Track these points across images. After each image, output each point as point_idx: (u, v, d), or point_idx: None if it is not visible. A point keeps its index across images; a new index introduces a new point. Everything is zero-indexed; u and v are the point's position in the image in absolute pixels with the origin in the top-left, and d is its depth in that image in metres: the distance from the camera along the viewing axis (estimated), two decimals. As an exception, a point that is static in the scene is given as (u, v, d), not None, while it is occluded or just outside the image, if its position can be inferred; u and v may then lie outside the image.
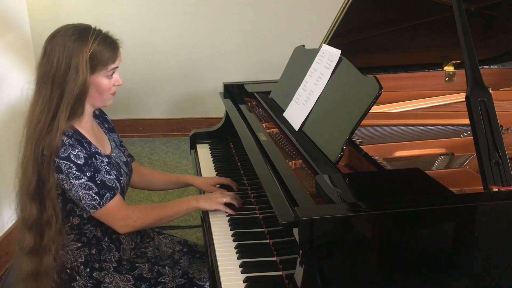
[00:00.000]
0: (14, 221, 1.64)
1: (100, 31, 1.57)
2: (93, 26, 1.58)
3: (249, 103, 2.21)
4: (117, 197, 1.59)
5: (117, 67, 1.60)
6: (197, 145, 2.35)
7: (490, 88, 1.80)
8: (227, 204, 1.67)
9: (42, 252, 1.56)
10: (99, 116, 1.80)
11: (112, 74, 1.59)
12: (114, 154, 1.71)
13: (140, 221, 1.62)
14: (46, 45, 1.54)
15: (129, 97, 4.27)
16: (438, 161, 1.65)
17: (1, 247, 2.49)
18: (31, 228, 1.56)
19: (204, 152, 2.29)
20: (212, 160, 2.19)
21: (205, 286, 1.66)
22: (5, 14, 2.62)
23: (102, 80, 1.57)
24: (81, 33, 1.53)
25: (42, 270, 1.57)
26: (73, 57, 1.50)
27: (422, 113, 2.05)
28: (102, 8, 4.07)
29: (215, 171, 2.08)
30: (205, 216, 1.74)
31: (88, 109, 1.62)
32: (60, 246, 1.60)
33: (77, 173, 1.51)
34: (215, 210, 1.68)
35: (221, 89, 2.37)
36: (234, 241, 1.55)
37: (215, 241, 1.56)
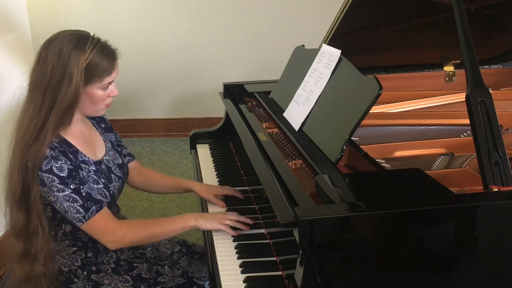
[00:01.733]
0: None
1: (98, 39, 1.52)
2: (91, 34, 1.53)
3: (249, 103, 2.21)
4: (104, 210, 1.54)
5: (113, 81, 1.55)
6: (197, 145, 2.35)
7: (490, 88, 1.80)
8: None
9: (32, 260, 1.55)
10: (95, 116, 1.76)
11: (107, 86, 1.55)
12: (107, 158, 1.68)
13: (128, 237, 1.55)
14: (41, 51, 1.49)
15: (129, 97, 4.27)
16: (438, 161, 1.65)
17: (1, 248, 2.49)
18: (19, 235, 1.55)
19: (204, 152, 2.29)
20: (212, 160, 2.19)
21: (205, 285, 1.66)
22: (5, 14, 2.62)
23: (96, 91, 1.52)
24: (78, 41, 1.48)
25: (32, 277, 1.55)
26: (68, 66, 1.45)
27: (422, 113, 2.05)
28: (102, 8, 4.07)
29: (215, 171, 2.08)
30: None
31: (77, 116, 1.58)
32: (51, 254, 1.58)
33: (60, 186, 1.47)
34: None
35: (221, 89, 2.36)
36: (234, 241, 1.55)
37: (215, 241, 1.56)
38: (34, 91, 1.50)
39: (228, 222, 1.58)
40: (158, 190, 1.96)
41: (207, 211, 1.77)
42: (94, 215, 1.51)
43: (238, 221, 1.59)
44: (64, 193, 1.48)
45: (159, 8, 4.12)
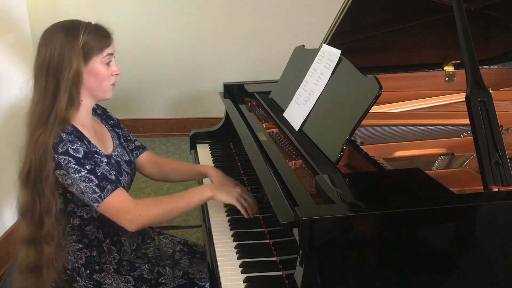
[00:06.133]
0: (15, 221, 1.64)
1: (90, 22, 1.58)
2: (82, 20, 1.58)
3: (249, 103, 2.21)
4: (120, 189, 1.56)
5: (112, 54, 1.59)
6: (197, 145, 2.35)
7: (490, 88, 1.80)
8: None
9: (42, 242, 1.55)
10: (102, 114, 1.79)
11: (109, 62, 1.58)
12: (115, 153, 1.70)
13: (145, 214, 1.55)
14: (39, 43, 1.56)
15: (129, 97, 4.27)
16: (438, 161, 1.65)
17: (1, 247, 2.49)
18: (25, 216, 1.56)
19: (204, 152, 2.29)
20: (212, 160, 2.19)
21: (205, 286, 1.66)
22: (5, 14, 2.62)
23: (99, 67, 1.56)
24: (71, 26, 1.55)
25: (44, 261, 1.55)
26: (65, 48, 1.51)
27: (422, 113, 2.05)
28: (102, 8, 4.07)
29: (215, 171, 2.08)
30: (205, 216, 1.74)
31: (88, 103, 1.61)
32: (61, 233, 1.58)
33: (76, 166, 1.50)
34: (223, 211, 1.60)
35: (221, 89, 2.37)
36: (234, 241, 1.55)
37: (215, 241, 1.56)
38: (37, 78, 1.55)
39: (243, 201, 1.58)
40: (175, 178, 1.92)
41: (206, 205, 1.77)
42: (109, 194, 1.52)
43: (249, 207, 1.58)
44: (80, 174, 1.50)
45: (159, 8, 4.12)
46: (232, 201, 1.57)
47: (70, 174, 1.50)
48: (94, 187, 1.51)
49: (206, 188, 1.61)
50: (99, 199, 1.52)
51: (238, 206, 1.57)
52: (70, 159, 1.50)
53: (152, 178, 1.92)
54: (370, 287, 1.17)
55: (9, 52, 2.62)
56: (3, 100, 2.54)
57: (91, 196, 1.52)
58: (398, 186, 1.31)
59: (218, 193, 1.59)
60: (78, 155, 1.51)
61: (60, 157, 1.50)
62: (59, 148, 1.50)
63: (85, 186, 1.51)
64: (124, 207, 1.55)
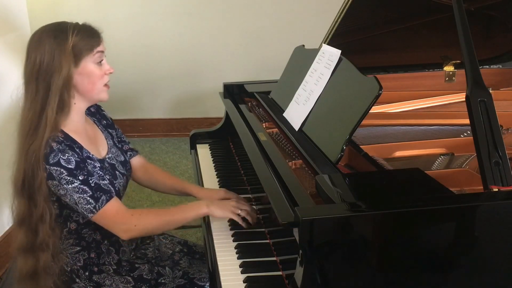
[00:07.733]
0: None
1: (77, 23, 1.56)
2: (69, 22, 1.56)
3: (249, 103, 2.21)
4: (114, 199, 1.55)
5: (103, 52, 1.57)
6: (197, 145, 2.35)
7: (490, 88, 1.80)
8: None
9: (38, 250, 1.54)
10: (96, 113, 1.77)
11: (101, 62, 1.56)
12: (110, 155, 1.69)
13: (141, 226, 1.55)
14: (28, 48, 1.53)
15: (129, 97, 4.27)
16: (438, 161, 1.65)
17: (1, 247, 2.49)
18: (22, 225, 1.55)
19: (204, 152, 2.29)
20: (212, 160, 2.19)
21: (205, 286, 1.66)
22: (5, 14, 2.62)
23: (91, 66, 1.53)
24: (58, 28, 1.52)
25: (40, 269, 1.55)
26: (55, 52, 1.48)
27: (422, 113, 2.05)
28: (102, 8, 4.07)
29: (215, 171, 2.08)
30: (205, 216, 1.74)
31: (82, 106, 1.59)
32: (57, 243, 1.57)
33: (68, 178, 1.48)
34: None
35: (221, 89, 2.37)
36: (234, 241, 1.55)
37: (215, 241, 1.56)
38: (28, 84, 1.52)
39: (239, 212, 1.58)
40: (162, 189, 1.92)
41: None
42: (104, 205, 1.52)
43: (248, 215, 1.58)
44: (73, 185, 1.48)
45: (159, 8, 4.12)
46: (228, 215, 1.58)
47: (63, 185, 1.48)
48: (88, 198, 1.50)
49: (202, 204, 1.61)
50: (94, 210, 1.51)
51: (236, 218, 1.57)
52: (62, 170, 1.48)
53: (140, 183, 1.91)
54: (370, 287, 1.17)
55: (9, 52, 2.62)
56: (3, 100, 2.54)
57: (85, 207, 1.50)
58: (398, 186, 1.31)
59: (213, 208, 1.59)
60: (70, 166, 1.48)
61: (52, 168, 1.47)
62: (50, 159, 1.47)
63: (79, 197, 1.49)
64: (119, 217, 1.54)
